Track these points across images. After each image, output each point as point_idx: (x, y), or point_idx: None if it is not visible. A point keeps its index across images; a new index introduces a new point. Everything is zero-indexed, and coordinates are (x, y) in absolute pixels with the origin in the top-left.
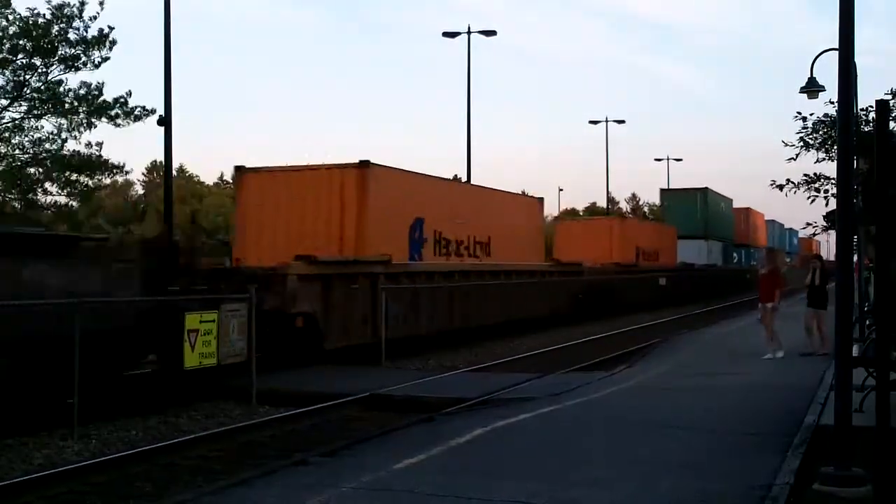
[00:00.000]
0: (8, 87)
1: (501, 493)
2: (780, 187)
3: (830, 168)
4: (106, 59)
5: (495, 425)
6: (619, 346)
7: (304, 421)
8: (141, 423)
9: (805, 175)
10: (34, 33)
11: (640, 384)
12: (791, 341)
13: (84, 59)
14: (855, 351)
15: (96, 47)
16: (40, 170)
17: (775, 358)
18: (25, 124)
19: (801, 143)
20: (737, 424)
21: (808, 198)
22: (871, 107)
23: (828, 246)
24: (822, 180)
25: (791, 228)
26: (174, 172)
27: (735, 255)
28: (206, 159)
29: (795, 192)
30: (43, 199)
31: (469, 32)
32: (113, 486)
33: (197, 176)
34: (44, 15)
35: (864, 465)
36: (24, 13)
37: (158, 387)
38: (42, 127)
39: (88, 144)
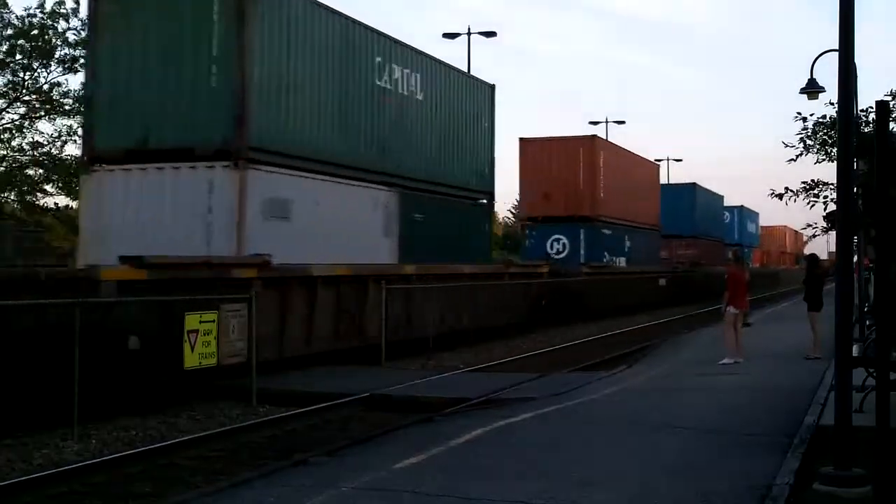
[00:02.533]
0: (6, 89)
1: (501, 493)
2: (780, 196)
3: (830, 169)
4: None
5: (495, 425)
6: (619, 346)
7: (304, 421)
8: (141, 424)
9: (804, 182)
10: (31, 33)
11: (639, 384)
12: (789, 343)
13: (84, 60)
14: (855, 351)
15: None
16: (40, 171)
17: (727, 363)
18: (24, 126)
19: (802, 144)
20: (737, 424)
21: (808, 203)
22: (871, 108)
23: (828, 245)
24: (821, 186)
25: (742, 207)
26: None
27: (564, 245)
28: None
29: (795, 199)
30: (43, 201)
31: (469, 33)
32: (113, 487)
33: None
34: (41, 12)
35: (864, 465)
36: (21, 13)
37: (158, 387)
38: (37, 129)
39: None
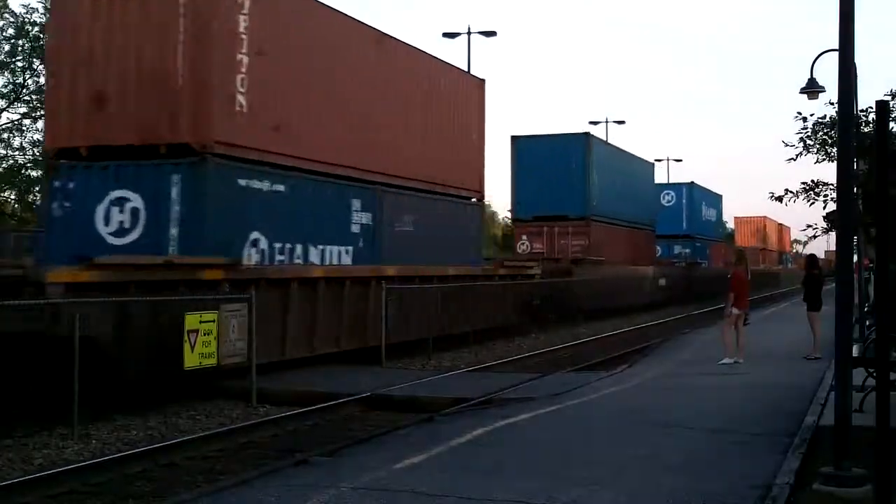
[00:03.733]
0: (5, 90)
1: (502, 493)
2: (780, 199)
3: (830, 169)
4: None
5: (496, 425)
6: (620, 346)
7: (304, 421)
8: (141, 423)
9: (803, 183)
10: (31, 33)
11: (640, 384)
12: (789, 343)
13: None
14: (855, 351)
15: None
16: (40, 171)
17: (727, 363)
18: (24, 126)
19: (801, 144)
20: (737, 424)
21: (808, 201)
22: (871, 108)
23: (827, 244)
24: (821, 186)
25: (693, 184)
26: None
27: (137, 212)
28: None
29: (795, 200)
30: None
31: (469, 33)
32: (113, 487)
33: None
34: (39, 11)
35: (865, 465)
36: (20, 11)
37: (158, 387)
38: (38, 128)
39: None
